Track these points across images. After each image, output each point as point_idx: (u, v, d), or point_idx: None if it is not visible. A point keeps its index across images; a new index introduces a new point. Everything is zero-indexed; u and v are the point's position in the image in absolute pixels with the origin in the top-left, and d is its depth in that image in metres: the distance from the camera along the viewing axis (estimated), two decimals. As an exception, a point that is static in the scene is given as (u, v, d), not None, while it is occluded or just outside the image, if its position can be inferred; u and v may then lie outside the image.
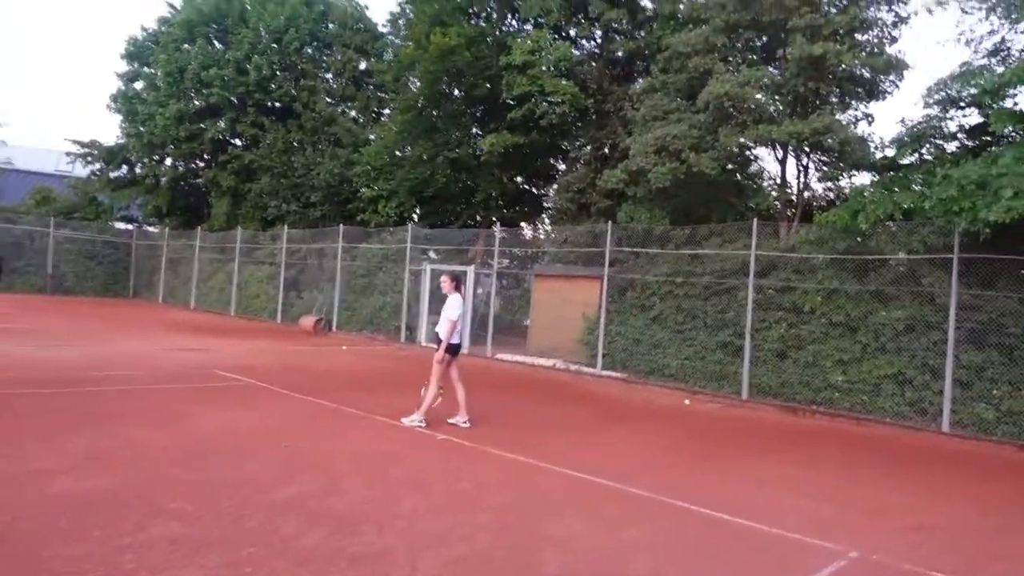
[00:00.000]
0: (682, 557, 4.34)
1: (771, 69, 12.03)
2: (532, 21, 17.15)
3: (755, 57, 12.49)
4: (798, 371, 11.34)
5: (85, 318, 18.46)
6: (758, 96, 11.20)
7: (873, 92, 12.60)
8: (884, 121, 36.08)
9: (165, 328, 17.42)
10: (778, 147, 12.63)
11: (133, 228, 31.48)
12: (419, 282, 17.90)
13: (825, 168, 12.91)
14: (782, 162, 13.00)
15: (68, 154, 29.47)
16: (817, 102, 11.76)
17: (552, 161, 19.15)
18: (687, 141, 12.03)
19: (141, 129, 27.51)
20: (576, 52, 17.11)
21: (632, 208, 14.51)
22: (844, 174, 12.69)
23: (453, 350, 7.89)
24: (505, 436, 7.48)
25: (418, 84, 17.99)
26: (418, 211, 21.24)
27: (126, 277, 30.26)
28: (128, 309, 23.52)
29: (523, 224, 18.86)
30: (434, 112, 18.42)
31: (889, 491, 6.32)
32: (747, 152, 13.48)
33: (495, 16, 17.45)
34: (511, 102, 16.38)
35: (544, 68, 15.70)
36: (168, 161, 29.34)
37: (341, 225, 20.51)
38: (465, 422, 7.85)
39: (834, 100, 12.07)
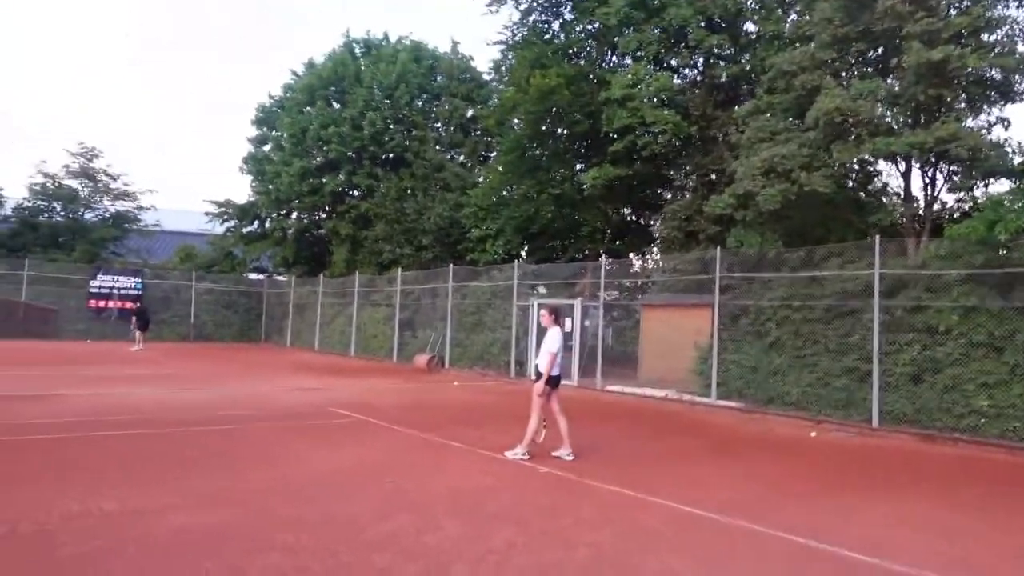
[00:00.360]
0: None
1: (888, 81, 11.29)
2: (631, 55, 17.14)
3: (868, 69, 11.79)
4: (935, 396, 10.36)
5: (219, 362, 19.86)
6: (873, 109, 10.52)
7: (1007, 94, 11.57)
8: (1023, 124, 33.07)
9: (289, 369, 18.42)
10: (900, 160, 11.81)
11: (264, 278, 33.79)
12: (527, 317, 18.00)
13: (956, 178, 11.90)
14: (906, 175, 12.13)
15: (207, 214, 32.21)
16: (942, 110, 10.91)
17: (659, 191, 18.84)
18: (797, 160, 11.49)
19: (269, 187, 29.71)
20: (677, 81, 16.89)
21: (742, 233, 13.97)
22: (978, 183, 11.64)
23: (553, 382, 7.83)
24: (609, 469, 7.27)
25: (520, 125, 18.33)
26: (525, 248, 21.47)
27: (258, 323, 32.39)
28: (259, 353, 25.10)
29: (630, 255, 18.58)
30: (537, 151, 18.68)
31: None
32: (868, 167, 12.71)
33: (594, 54, 17.59)
34: (613, 136, 16.34)
35: (644, 100, 15.58)
36: (293, 215, 31.42)
37: (451, 265, 21.07)
38: (569, 455, 7.72)
39: (961, 106, 11.15)
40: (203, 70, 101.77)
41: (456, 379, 17.62)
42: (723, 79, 16.43)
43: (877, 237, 11.09)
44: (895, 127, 10.86)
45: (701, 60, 16.68)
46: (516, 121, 18.38)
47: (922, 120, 11.11)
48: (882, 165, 12.74)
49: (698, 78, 17.09)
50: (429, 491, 6.11)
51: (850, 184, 12.14)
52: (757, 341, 12.97)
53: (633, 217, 20.32)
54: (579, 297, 16.50)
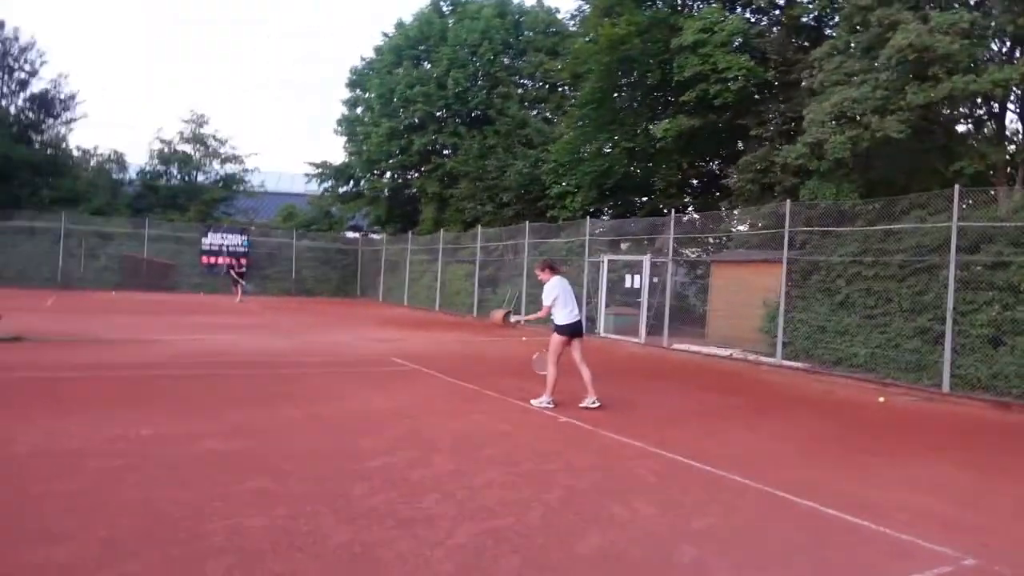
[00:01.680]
0: (741, 548, 3.99)
1: (975, 13, 10.26)
2: (703, 0, 16.36)
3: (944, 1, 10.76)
4: (1015, 361, 9.61)
5: (312, 315, 21.09)
6: (952, 43, 9.63)
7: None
8: None
9: (373, 323, 19.33)
10: (992, 101, 10.79)
11: (359, 236, 35.25)
12: (599, 274, 17.94)
13: (1057, 119, 10.77)
14: (999, 116, 11.09)
15: (306, 175, 33.85)
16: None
17: (737, 142, 18.04)
18: (869, 104, 10.75)
19: (361, 148, 30.74)
20: (756, 22, 15.97)
21: (817, 184, 13.25)
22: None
23: (568, 331, 7.91)
24: (631, 422, 7.32)
25: (593, 78, 17.99)
26: (603, 204, 21.25)
27: (355, 279, 33.96)
28: (352, 307, 26.39)
29: (691, 210, 18.01)
30: (610, 103, 18.31)
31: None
32: (955, 109, 11.67)
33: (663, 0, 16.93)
34: (685, 85, 15.77)
35: (717, 45, 14.89)
36: (387, 175, 32.43)
37: (527, 222, 21.20)
38: (594, 402, 7.83)
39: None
40: (307, 36, 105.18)
41: (526, 334, 17.91)
42: (805, 19, 15.39)
43: (956, 187, 10.26)
44: (980, 63, 9.88)
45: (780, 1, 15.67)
46: (589, 73, 18.01)
47: (1018, 54, 10.07)
48: (975, 106, 11.66)
49: (778, 19, 16.08)
50: (441, 432, 6.42)
51: (933, 128, 11.18)
52: (827, 299, 12.41)
53: (712, 170, 19.60)
54: (647, 254, 16.25)
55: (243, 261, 28.48)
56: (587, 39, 17.53)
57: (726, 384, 10.79)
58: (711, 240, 16.34)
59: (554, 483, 5.01)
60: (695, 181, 19.00)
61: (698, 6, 16.83)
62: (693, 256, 16.55)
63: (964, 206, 10.61)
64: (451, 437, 6.27)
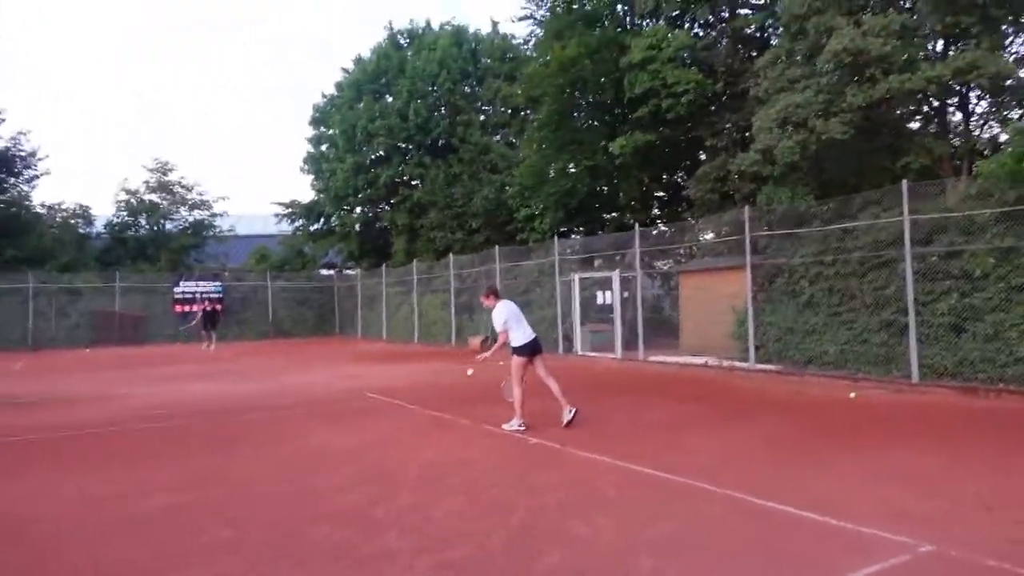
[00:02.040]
0: (699, 553, 3.98)
1: (902, 14, 10.59)
2: (650, 17, 16.68)
3: (883, 3, 11.09)
4: (977, 346, 9.77)
5: (287, 356, 20.88)
6: (885, 45, 9.90)
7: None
8: None
9: (349, 359, 19.19)
10: (929, 97, 11.08)
11: (334, 273, 35.09)
12: (571, 293, 18.00)
13: (995, 111, 11.07)
14: (939, 112, 11.38)
15: (276, 215, 33.70)
16: (961, 39, 10.15)
17: (697, 154, 18.32)
18: (812, 108, 10.99)
19: (328, 185, 30.74)
20: (702, 36, 16.31)
21: (772, 189, 13.47)
22: (1012, 116, 10.79)
23: (527, 351, 7.97)
24: (599, 437, 7.33)
25: (548, 100, 18.21)
26: (571, 224, 21.41)
27: (332, 317, 33.72)
28: (328, 346, 26.19)
29: (659, 223, 18.23)
30: (569, 124, 18.54)
31: (1036, 479, 5.26)
32: (897, 108, 11.96)
33: (616, 20, 17.23)
34: (637, 101, 16.02)
35: (665, 61, 15.17)
36: (358, 209, 32.38)
37: (497, 247, 21.27)
38: (571, 411, 7.88)
39: (982, 32, 10.31)
40: (268, 75, 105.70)
41: (504, 359, 17.87)
42: (750, 30, 15.75)
43: (904, 182, 10.49)
44: (914, 62, 10.16)
45: (726, 13, 16.02)
46: (545, 96, 18.24)
47: (944, 53, 10.37)
48: (919, 103, 11.95)
49: (724, 32, 16.44)
50: (406, 464, 6.37)
51: (878, 128, 11.44)
52: (792, 301, 12.54)
53: (675, 182, 19.86)
54: (616, 269, 16.36)
55: (218, 307, 27.92)
56: (539, 62, 17.75)
57: (698, 392, 10.83)
58: (680, 251, 16.49)
59: (516, 506, 4.98)
60: (660, 194, 19.21)
61: (646, 24, 17.15)
62: (661, 268, 16.68)
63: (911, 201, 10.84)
64: (416, 469, 6.22)
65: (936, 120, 11.35)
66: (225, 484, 5.87)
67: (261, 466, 6.50)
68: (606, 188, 18.61)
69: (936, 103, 11.14)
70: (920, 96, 10.61)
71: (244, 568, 3.96)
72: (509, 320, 7.99)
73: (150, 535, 4.59)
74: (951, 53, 9.86)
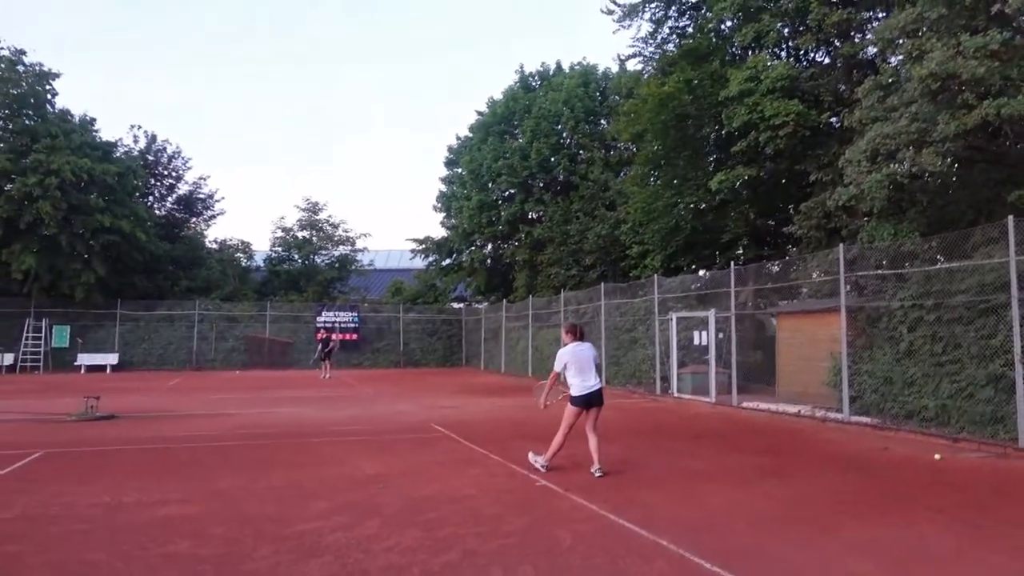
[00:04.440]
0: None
1: (1003, 34, 9.45)
2: (751, 48, 16.04)
3: (983, 22, 9.96)
4: (1100, 410, 8.36)
5: (401, 385, 21.89)
6: (979, 67, 8.90)
7: None
8: None
9: (452, 391, 19.78)
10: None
11: (462, 306, 36.37)
12: (671, 332, 17.45)
13: None
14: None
15: (411, 251, 35.66)
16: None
17: (806, 188, 17.25)
18: (903, 139, 10.07)
19: (457, 222, 32.12)
20: (809, 64, 15.43)
21: (875, 225, 12.39)
22: None
23: (582, 402, 7.62)
24: (614, 484, 7.09)
25: (649, 136, 18.01)
26: (680, 261, 20.81)
27: (460, 349, 34.90)
28: (448, 376, 27.09)
29: (767, 261, 17.21)
30: (671, 160, 18.19)
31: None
32: (1004, 137, 10.63)
33: (717, 53, 16.78)
34: (736, 135, 15.44)
35: (764, 92, 14.52)
36: (488, 246, 33.52)
37: (602, 284, 21.13)
38: (598, 471, 7.51)
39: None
40: (412, 117, 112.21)
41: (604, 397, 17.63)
42: (864, 56, 14.67)
43: (1010, 218, 9.29)
44: (1015, 84, 9.04)
45: (836, 39, 15.03)
46: (646, 133, 18.03)
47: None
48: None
49: (831, 59, 15.42)
50: (399, 498, 6.53)
51: (986, 157, 10.25)
52: (891, 348, 11.40)
53: (782, 219, 18.72)
54: (712, 308, 15.68)
55: (334, 336, 28.54)
56: (637, 99, 17.64)
57: (772, 444, 10.09)
58: (779, 291, 15.51)
59: (456, 547, 4.98)
60: (772, 228, 18.21)
61: (751, 54, 16.52)
62: (758, 308, 15.75)
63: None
64: (405, 502, 6.37)
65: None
66: (226, 502, 6.36)
67: (273, 488, 6.95)
68: (709, 225, 17.94)
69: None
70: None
71: (172, 580, 4.32)
72: (569, 365, 7.69)
73: (121, 542, 5.10)
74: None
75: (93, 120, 29.95)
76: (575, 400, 7.70)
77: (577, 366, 7.67)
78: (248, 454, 9.04)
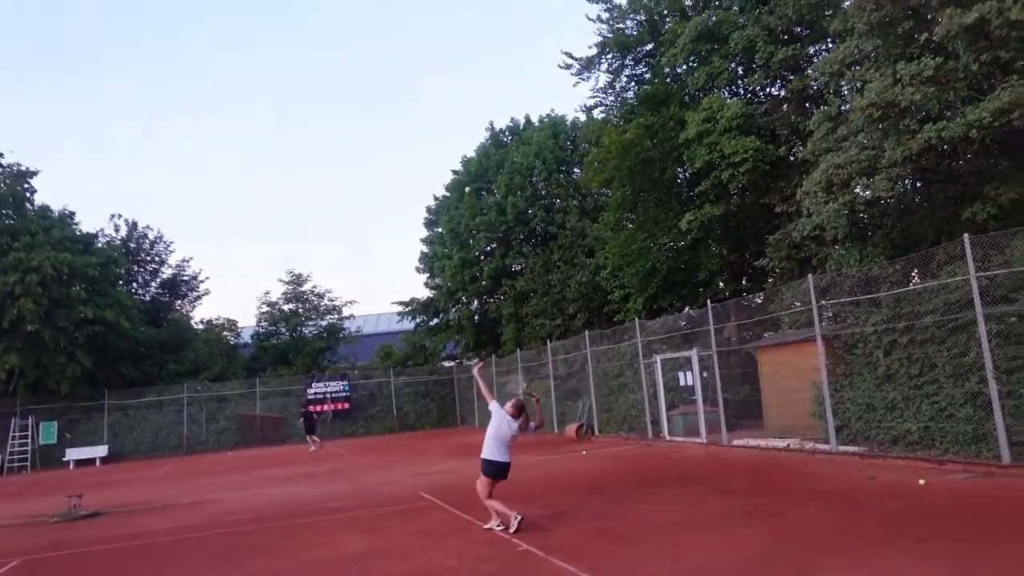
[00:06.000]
0: None
1: (935, 59, 9.79)
2: (703, 90, 16.48)
3: (915, 51, 10.32)
4: (1076, 420, 8.36)
5: (390, 453, 21.55)
6: (915, 94, 9.19)
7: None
8: None
9: (442, 453, 19.52)
10: (971, 142, 9.99)
11: (453, 365, 36.21)
12: (656, 375, 17.42)
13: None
14: (1001, 153, 10.25)
15: (398, 314, 35.66)
16: (1005, 77, 9.20)
17: (773, 221, 17.54)
18: (854, 168, 10.31)
19: (440, 281, 32.27)
20: (762, 100, 15.85)
21: (841, 253, 12.54)
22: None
23: (487, 468, 8.12)
24: (595, 542, 7.04)
25: (615, 183, 18.33)
26: (660, 303, 20.91)
27: (454, 408, 34.57)
28: (442, 438, 26.77)
29: (745, 295, 17.33)
30: (640, 205, 18.47)
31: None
32: (947, 159, 10.91)
33: (674, 97, 17.22)
34: (699, 175, 15.74)
35: (721, 132, 14.87)
36: (474, 303, 33.58)
37: (586, 332, 21.15)
38: (498, 526, 8.01)
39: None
40: (394, 181, 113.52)
41: (596, 446, 17.48)
42: (813, 88, 15.10)
43: (965, 236, 9.45)
44: (952, 107, 9.32)
45: (787, 73, 15.48)
46: (612, 180, 18.36)
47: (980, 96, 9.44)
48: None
49: (785, 94, 15.84)
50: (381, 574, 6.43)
51: (938, 179, 10.47)
52: (869, 373, 11.42)
53: (755, 253, 18.96)
54: (693, 347, 15.71)
55: (315, 409, 29.16)
56: (599, 148, 18.02)
57: (759, 483, 10.00)
58: (760, 324, 15.58)
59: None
60: (746, 262, 18.40)
61: (706, 96, 16.96)
62: (744, 343, 15.78)
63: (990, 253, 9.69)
64: (381, 582, 6.26)
65: (1006, 164, 10.18)
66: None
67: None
68: (685, 265, 18.11)
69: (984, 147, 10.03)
70: (964, 141, 9.58)
71: None
72: (488, 431, 8.16)
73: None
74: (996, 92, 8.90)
75: (72, 214, 30.22)
76: (483, 465, 8.21)
77: (492, 433, 8.18)
78: (228, 543, 8.87)
